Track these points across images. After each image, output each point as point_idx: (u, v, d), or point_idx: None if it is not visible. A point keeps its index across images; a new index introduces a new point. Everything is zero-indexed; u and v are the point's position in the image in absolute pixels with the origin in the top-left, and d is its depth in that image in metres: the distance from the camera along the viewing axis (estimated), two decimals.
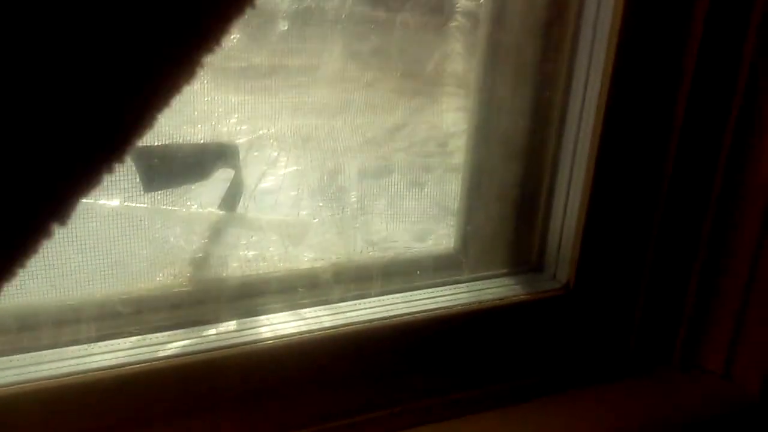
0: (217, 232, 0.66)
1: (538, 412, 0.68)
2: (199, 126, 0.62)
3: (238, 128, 0.64)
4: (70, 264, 0.58)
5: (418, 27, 0.64)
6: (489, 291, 0.71)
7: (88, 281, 0.58)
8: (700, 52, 0.63)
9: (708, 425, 0.72)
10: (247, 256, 0.67)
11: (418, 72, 0.67)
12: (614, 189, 0.68)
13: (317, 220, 0.69)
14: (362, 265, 0.68)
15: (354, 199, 0.70)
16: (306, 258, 0.69)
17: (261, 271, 0.66)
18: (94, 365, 0.54)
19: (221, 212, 0.64)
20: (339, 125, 0.67)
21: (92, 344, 0.56)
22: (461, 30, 0.67)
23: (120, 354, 0.55)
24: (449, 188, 0.73)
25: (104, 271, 0.60)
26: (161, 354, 0.56)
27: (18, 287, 0.55)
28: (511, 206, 0.73)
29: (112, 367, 0.54)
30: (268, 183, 0.67)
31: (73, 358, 0.55)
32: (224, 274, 0.65)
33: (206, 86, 0.60)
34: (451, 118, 0.71)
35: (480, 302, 0.69)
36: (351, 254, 0.69)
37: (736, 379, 0.73)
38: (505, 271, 0.75)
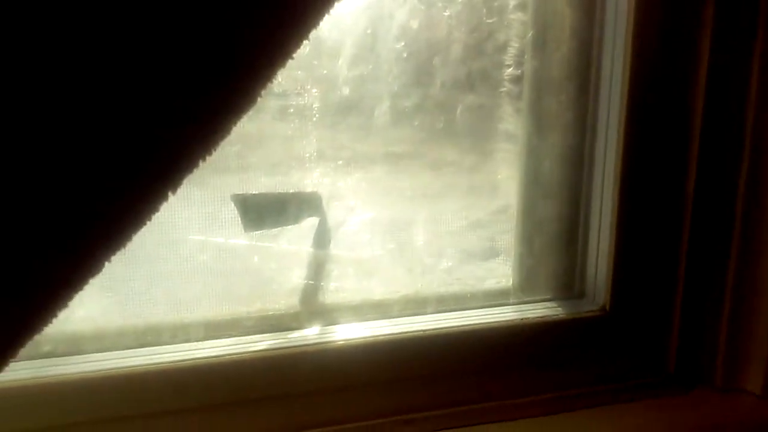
0: (306, 266, 0.80)
1: (576, 427, 0.77)
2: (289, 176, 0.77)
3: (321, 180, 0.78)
4: (182, 289, 0.73)
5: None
6: (533, 312, 0.82)
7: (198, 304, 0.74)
8: (708, 82, 0.73)
9: None
10: (329, 287, 0.81)
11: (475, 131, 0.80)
12: (641, 217, 0.78)
13: (387, 258, 0.83)
14: (423, 295, 0.81)
15: (420, 242, 0.83)
16: (377, 290, 0.81)
17: (340, 300, 0.79)
18: (201, 355, 0.69)
19: (310, 249, 0.78)
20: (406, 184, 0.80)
21: (200, 342, 0.71)
22: (509, 95, 0.80)
23: (221, 349, 0.70)
24: (500, 228, 0.85)
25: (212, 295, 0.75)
26: (252, 349, 0.70)
27: (143, 306, 0.71)
28: (553, 240, 0.84)
29: (214, 356, 0.68)
30: (347, 226, 0.82)
31: (185, 351, 0.70)
32: (311, 301, 0.79)
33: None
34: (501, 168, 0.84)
35: (523, 319, 0.80)
36: (416, 287, 0.81)
37: None
38: (549, 297, 0.85)
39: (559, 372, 0.82)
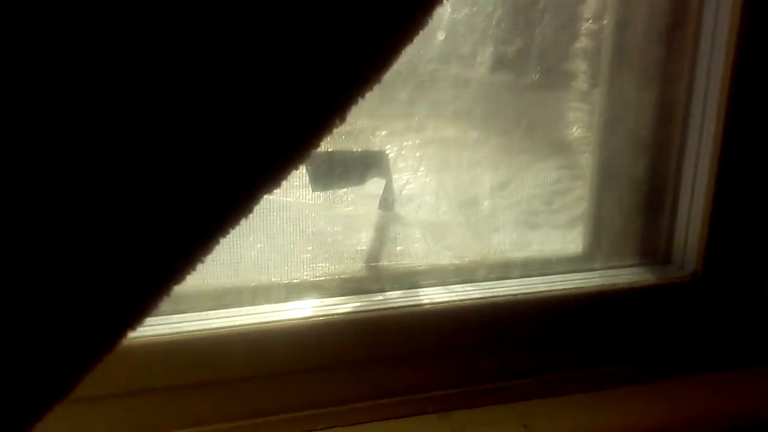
0: (372, 228, 0.76)
1: (662, 394, 0.74)
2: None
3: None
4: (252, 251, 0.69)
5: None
6: (619, 277, 0.78)
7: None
8: None
9: None
10: (395, 251, 0.77)
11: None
12: (739, 176, 0.74)
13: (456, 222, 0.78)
14: (498, 262, 0.77)
15: (486, 204, 0.79)
16: (446, 254, 0.77)
17: (406, 264, 0.74)
18: (285, 316, 0.65)
19: (377, 211, 0.74)
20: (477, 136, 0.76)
21: (282, 303, 0.67)
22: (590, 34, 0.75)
23: (305, 311, 0.66)
24: (577, 188, 0.81)
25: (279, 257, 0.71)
26: (339, 311, 0.66)
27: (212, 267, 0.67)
28: (637, 201, 0.79)
29: (299, 318, 0.65)
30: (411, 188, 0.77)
31: (267, 312, 0.66)
32: (379, 264, 0.75)
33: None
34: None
35: (612, 285, 0.76)
36: (486, 254, 0.77)
37: None
38: (635, 262, 0.81)
39: (648, 340, 0.78)
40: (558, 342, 0.75)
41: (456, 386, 0.71)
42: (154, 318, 0.63)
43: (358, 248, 0.74)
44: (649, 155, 0.78)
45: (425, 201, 0.77)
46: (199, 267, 0.28)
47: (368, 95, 0.28)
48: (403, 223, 0.77)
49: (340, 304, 0.68)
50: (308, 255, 0.72)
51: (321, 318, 0.65)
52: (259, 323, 0.64)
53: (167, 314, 0.64)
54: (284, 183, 0.29)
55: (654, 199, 0.79)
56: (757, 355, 0.79)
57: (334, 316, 0.66)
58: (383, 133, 0.74)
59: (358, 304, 0.68)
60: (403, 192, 0.76)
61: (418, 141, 0.75)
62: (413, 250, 0.75)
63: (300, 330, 0.65)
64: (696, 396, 0.75)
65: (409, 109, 0.72)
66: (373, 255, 0.74)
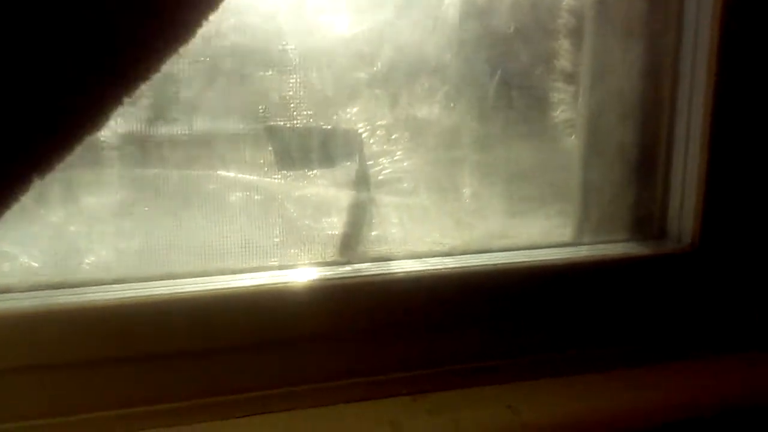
0: (344, 211, 0.71)
1: (656, 379, 0.68)
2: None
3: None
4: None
5: None
6: (610, 250, 0.72)
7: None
8: None
9: None
10: (371, 237, 0.71)
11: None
12: (735, 138, 0.69)
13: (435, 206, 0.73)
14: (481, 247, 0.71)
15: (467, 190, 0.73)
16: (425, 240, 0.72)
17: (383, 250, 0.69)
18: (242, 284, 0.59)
19: (349, 193, 0.69)
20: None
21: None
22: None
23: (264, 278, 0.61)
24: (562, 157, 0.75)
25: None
26: (300, 279, 0.61)
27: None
28: (627, 170, 0.74)
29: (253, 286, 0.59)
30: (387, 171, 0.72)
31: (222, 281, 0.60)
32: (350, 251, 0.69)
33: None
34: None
35: (602, 256, 0.70)
36: (468, 240, 0.71)
37: None
38: (627, 237, 0.75)
39: (640, 320, 0.72)
40: (544, 319, 0.69)
41: (432, 365, 0.64)
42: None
43: (330, 232, 0.68)
44: (638, 122, 0.73)
45: (402, 184, 0.72)
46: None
47: None
48: (378, 206, 0.71)
49: (301, 271, 0.62)
50: (277, 239, 0.66)
51: (279, 285, 0.59)
52: (208, 290, 0.58)
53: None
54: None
55: (646, 167, 0.74)
56: (756, 340, 0.73)
57: (295, 285, 0.60)
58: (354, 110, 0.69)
59: (324, 272, 0.62)
60: (379, 177, 0.70)
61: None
62: (390, 235, 0.70)
63: (254, 299, 0.59)
64: (690, 378, 0.68)
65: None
66: (347, 241, 0.69)
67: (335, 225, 0.69)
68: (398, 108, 0.69)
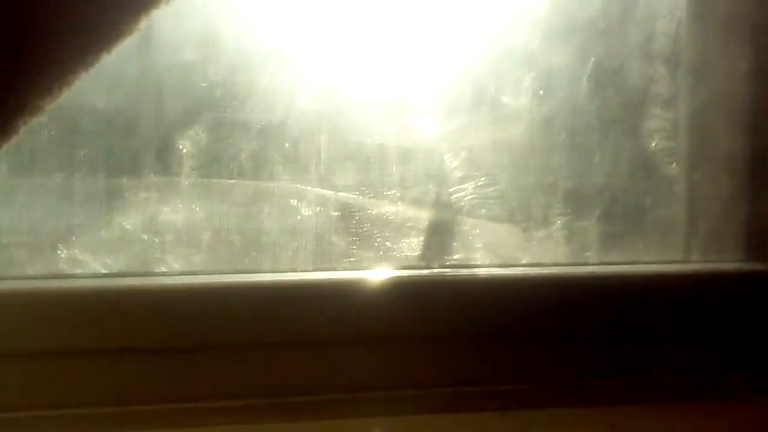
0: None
1: None
2: None
3: None
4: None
5: None
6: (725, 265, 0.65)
7: None
8: None
9: None
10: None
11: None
12: None
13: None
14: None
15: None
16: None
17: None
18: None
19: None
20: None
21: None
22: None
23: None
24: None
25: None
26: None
27: None
28: (739, 183, 0.67)
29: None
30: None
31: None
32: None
33: None
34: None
35: (717, 269, 0.63)
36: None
37: None
38: (742, 255, 0.67)
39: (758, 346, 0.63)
40: (652, 338, 0.61)
41: (523, 380, 0.58)
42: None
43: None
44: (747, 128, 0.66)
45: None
46: None
47: None
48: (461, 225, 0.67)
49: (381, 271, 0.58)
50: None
51: (353, 280, 0.55)
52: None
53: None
54: None
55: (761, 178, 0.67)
56: None
57: (371, 281, 0.55)
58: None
59: (403, 273, 0.57)
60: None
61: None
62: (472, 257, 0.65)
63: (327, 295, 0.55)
64: None
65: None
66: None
67: (413, 245, 0.65)
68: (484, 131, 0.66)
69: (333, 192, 0.62)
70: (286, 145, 0.60)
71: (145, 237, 0.58)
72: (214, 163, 0.60)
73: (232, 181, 0.60)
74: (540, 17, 0.64)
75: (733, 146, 0.67)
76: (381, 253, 0.60)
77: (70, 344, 0.51)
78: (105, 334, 0.51)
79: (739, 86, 0.66)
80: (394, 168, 0.62)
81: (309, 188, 0.62)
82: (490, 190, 0.66)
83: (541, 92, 0.64)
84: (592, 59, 0.64)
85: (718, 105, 0.67)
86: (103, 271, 0.56)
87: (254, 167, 0.59)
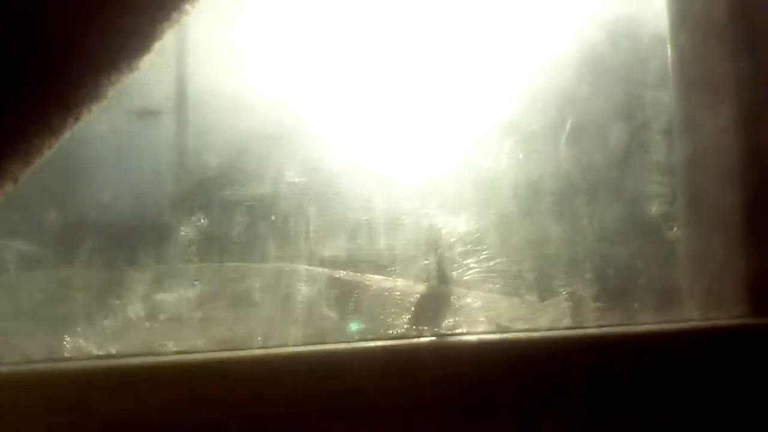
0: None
1: None
2: None
3: None
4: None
5: None
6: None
7: None
8: None
9: None
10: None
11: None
12: None
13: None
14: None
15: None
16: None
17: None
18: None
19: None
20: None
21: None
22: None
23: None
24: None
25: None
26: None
27: None
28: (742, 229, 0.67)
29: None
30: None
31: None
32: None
33: None
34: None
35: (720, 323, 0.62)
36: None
37: None
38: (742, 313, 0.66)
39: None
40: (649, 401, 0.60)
41: None
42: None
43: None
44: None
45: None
46: None
47: None
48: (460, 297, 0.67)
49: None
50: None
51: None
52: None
53: None
54: None
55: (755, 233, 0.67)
56: None
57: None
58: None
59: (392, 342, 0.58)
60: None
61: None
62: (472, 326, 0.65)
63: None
64: None
65: None
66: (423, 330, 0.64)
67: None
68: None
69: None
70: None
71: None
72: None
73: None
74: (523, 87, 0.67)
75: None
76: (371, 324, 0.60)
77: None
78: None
79: (724, 142, 0.67)
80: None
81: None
82: (491, 263, 0.67)
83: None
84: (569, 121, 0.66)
85: (707, 163, 0.68)
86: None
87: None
